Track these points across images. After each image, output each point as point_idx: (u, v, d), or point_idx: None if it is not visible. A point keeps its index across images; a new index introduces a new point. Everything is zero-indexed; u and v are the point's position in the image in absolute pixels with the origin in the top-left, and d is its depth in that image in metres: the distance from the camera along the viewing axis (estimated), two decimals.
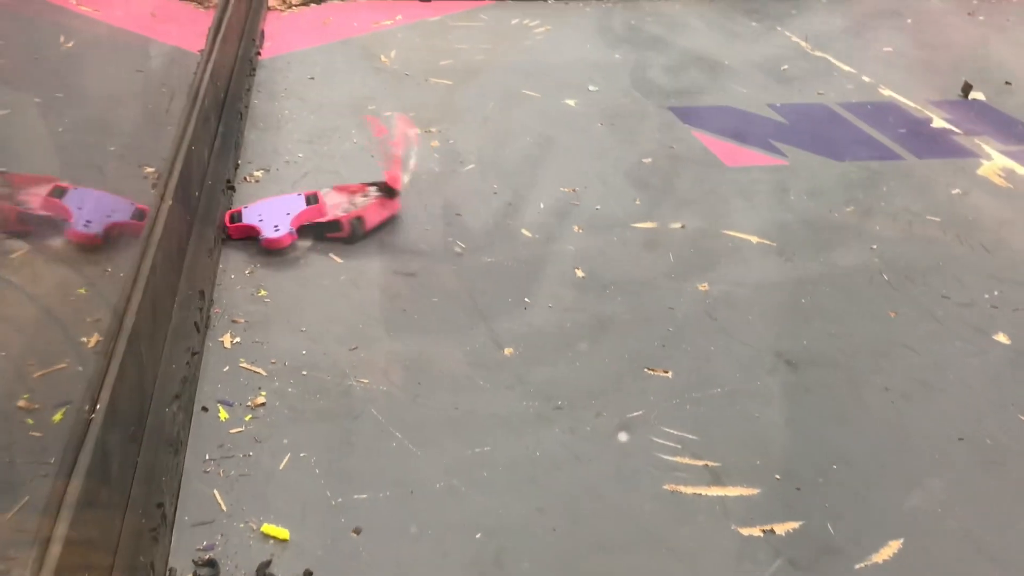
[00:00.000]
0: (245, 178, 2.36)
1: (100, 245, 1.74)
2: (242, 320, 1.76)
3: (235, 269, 1.94)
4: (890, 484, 1.44)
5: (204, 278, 1.79)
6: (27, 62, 2.27)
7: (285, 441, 1.46)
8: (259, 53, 3.28)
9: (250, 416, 1.51)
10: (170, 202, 1.65)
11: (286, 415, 1.52)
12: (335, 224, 2.06)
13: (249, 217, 2.07)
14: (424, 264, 2.00)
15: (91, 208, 1.77)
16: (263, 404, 1.54)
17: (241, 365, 1.63)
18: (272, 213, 2.07)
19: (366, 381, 1.60)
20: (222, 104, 2.52)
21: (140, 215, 1.79)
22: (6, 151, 1.85)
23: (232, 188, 2.23)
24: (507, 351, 1.71)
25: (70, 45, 2.69)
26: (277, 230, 2.01)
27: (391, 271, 1.96)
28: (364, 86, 3.05)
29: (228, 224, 2.05)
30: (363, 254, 2.03)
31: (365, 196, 2.16)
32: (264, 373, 1.61)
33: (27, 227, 1.72)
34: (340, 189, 2.22)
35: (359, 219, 2.08)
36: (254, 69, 3.09)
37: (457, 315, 1.82)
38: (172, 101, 2.29)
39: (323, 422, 1.51)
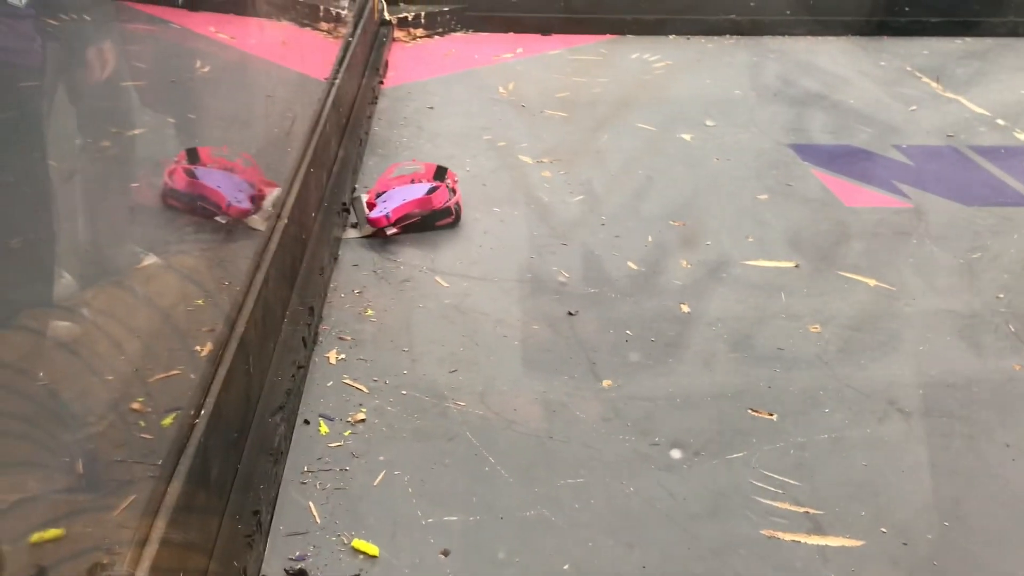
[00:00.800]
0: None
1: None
2: (349, 338, 1.80)
3: (345, 288, 1.98)
4: (1006, 548, 1.35)
5: (315, 295, 1.84)
6: (164, 85, 2.40)
7: (381, 458, 1.48)
8: (382, 82, 3.38)
9: (349, 431, 1.53)
10: (285, 221, 1.71)
11: (384, 432, 1.54)
12: (445, 211, 2.26)
13: (381, 197, 2.26)
14: (527, 292, 2.00)
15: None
16: (363, 420, 1.56)
17: (344, 381, 1.66)
18: (393, 197, 2.25)
19: (463, 404, 1.61)
20: (343, 130, 2.60)
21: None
22: (131, 166, 1.95)
23: (347, 210, 2.29)
24: (606, 383, 1.69)
25: (206, 70, 2.83)
26: (382, 211, 2.20)
27: (494, 298, 1.97)
28: (481, 116, 3.10)
29: (371, 199, 2.26)
30: (468, 278, 2.05)
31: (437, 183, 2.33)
32: (366, 390, 1.64)
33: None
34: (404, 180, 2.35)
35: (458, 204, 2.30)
36: (376, 97, 3.19)
37: (558, 345, 1.81)
38: (294, 125, 2.37)
39: (419, 442, 1.52)
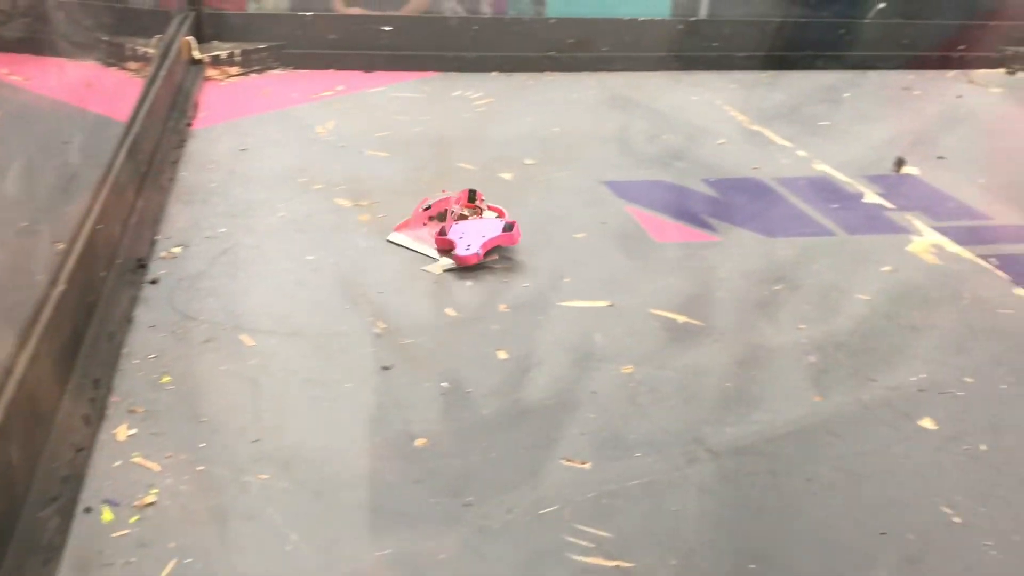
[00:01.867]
0: (162, 255, 2.28)
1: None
2: (141, 410, 1.67)
3: (140, 353, 1.85)
4: None
5: (103, 365, 1.71)
6: None
7: (172, 545, 1.37)
8: (191, 124, 3.23)
9: (136, 517, 1.41)
10: (63, 287, 1.57)
11: (176, 516, 1.43)
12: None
13: (453, 233, 2.34)
14: (340, 346, 1.93)
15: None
16: (153, 503, 1.44)
17: (134, 460, 1.54)
18: (471, 233, 2.33)
19: (266, 477, 1.52)
20: (143, 177, 2.46)
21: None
22: None
23: (143, 266, 2.15)
24: (419, 442, 1.64)
25: None
26: (468, 249, 2.29)
27: (304, 355, 1.89)
28: (296, 158, 3.00)
29: (437, 236, 2.35)
30: (276, 335, 1.95)
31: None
32: (158, 468, 1.52)
33: None
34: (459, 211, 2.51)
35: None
36: (184, 140, 3.04)
37: (368, 404, 1.74)
38: (82, 174, 2.21)
39: (215, 523, 1.42)
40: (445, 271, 2.28)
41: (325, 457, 1.58)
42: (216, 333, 1.95)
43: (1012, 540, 1.47)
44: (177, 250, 2.31)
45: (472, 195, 2.56)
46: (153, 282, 2.13)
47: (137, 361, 1.82)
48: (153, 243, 2.32)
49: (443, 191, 2.58)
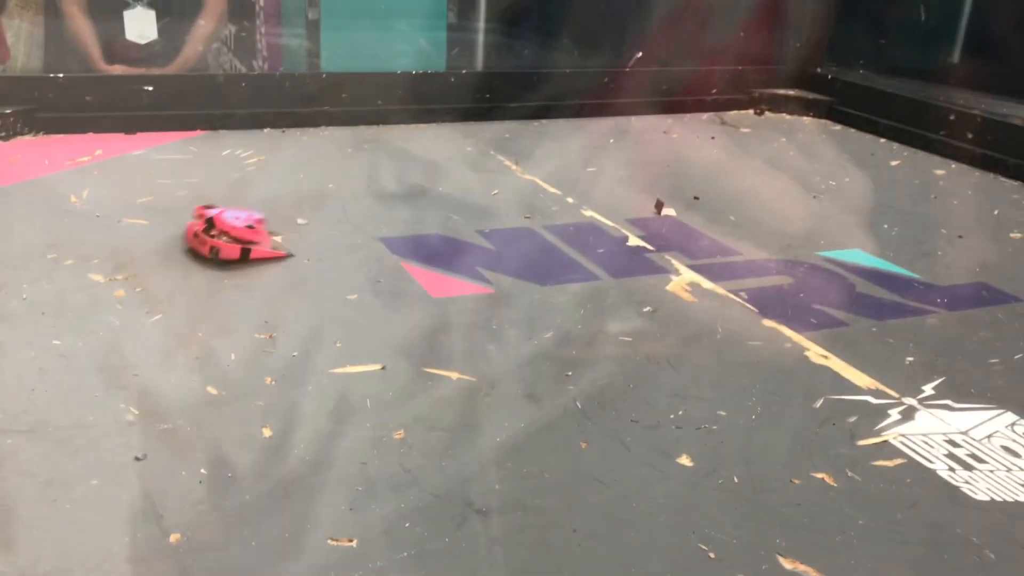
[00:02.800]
0: None
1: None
2: None
3: None
4: None
5: None
6: None
7: None
8: None
9: None
10: None
11: None
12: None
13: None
14: (86, 440, 1.79)
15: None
16: None
17: None
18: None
19: None
20: None
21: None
22: None
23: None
24: (173, 537, 1.54)
25: None
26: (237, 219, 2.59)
27: (45, 454, 1.74)
28: (46, 231, 2.80)
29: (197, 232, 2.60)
30: (13, 433, 1.79)
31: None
32: None
33: None
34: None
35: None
36: None
37: (117, 503, 1.62)
38: None
39: None
40: (214, 338, 2.18)
41: (64, 568, 1.45)
42: None
43: (760, 570, 1.55)
44: None
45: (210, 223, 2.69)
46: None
47: None
48: None
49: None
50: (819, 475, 1.82)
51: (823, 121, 4.88)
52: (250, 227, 2.68)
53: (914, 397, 2.13)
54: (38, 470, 1.69)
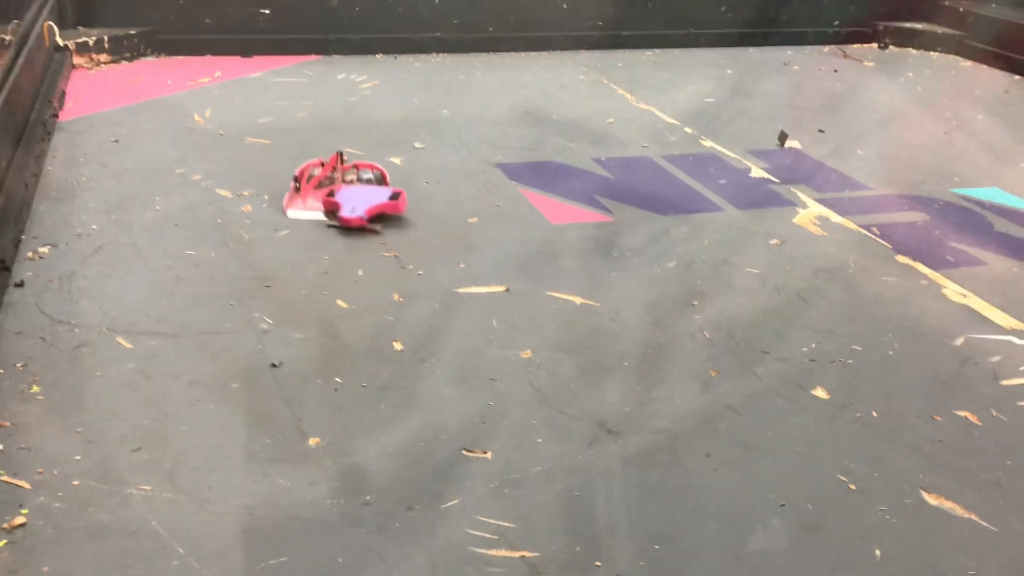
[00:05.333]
0: (28, 255, 2.13)
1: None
2: (7, 423, 1.55)
3: (5, 363, 1.72)
4: (711, 562, 1.38)
5: None
6: None
7: (45, 569, 1.27)
8: (56, 115, 3.04)
9: (5, 541, 1.31)
10: None
11: (49, 536, 1.33)
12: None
13: (340, 197, 2.39)
14: (225, 345, 1.84)
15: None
16: (22, 525, 1.34)
17: (1, 479, 1.43)
18: (357, 198, 2.38)
19: (148, 488, 1.43)
20: (3, 174, 2.29)
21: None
22: None
23: (7, 268, 2.00)
24: (312, 441, 1.57)
25: None
26: (354, 211, 2.34)
27: (185, 354, 1.79)
28: (173, 148, 2.86)
29: (325, 198, 2.39)
30: (157, 335, 1.85)
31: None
32: (28, 487, 1.42)
33: None
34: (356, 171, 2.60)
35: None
36: (50, 133, 2.86)
37: (261, 404, 1.66)
38: None
39: (93, 542, 1.32)
40: (341, 253, 2.20)
41: (211, 464, 1.50)
42: (90, 337, 1.83)
43: (904, 504, 1.50)
44: (45, 250, 2.17)
45: (340, 157, 2.61)
46: (19, 285, 1.99)
47: (2, 371, 1.69)
48: (17, 243, 2.16)
49: (320, 161, 2.60)
50: (962, 413, 1.75)
51: (952, 56, 4.63)
52: (369, 219, 2.39)
53: None
54: (182, 371, 1.74)
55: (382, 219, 2.40)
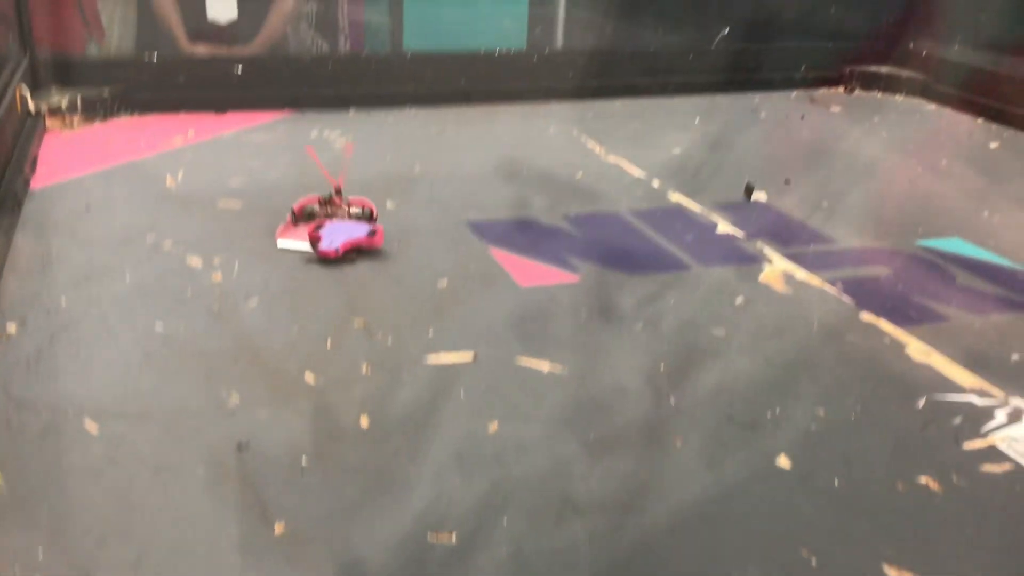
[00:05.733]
0: None
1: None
2: None
3: None
4: None
5: None
6: None
7: None
8: (28, 183, 3.05)
9: None
10: None
11: None
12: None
13: (324, 230, 2.60)
14: (192, 427, 1.84)
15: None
16: None
17: None
18: (337, 233, 2.60)
19: None
20: None
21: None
22: None
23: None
24: (278, 527, 1.58)
25: None
26: (331, 245, 2.55)
27: (152, 437, 1.80)
28: (143, 215, 2.88)
29: (310, 231, 2.60)
30: (124, 417, 1.85)
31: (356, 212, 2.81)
32: None
33: None
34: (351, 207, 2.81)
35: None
36: (20, 203, 2.87)
37: (224, 486, 1.67)
38: None
39: None
40: (310, 322, 2.22)
41: (176, 557, 1.50)
42: (56, 421, 1.83)
43: None
44: (12, 328, 2.17)
45: (339, 192, 2.83)
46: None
47: None
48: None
49: (318, 197, 2.83)
50: (924, 480, 1.77)
51: (918, 100, 4.72)
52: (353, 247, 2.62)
53: (1022, 398, 2.05)
54: (148, 455, 1.75)
55: (361, 252, 2.63)
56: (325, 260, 2.56)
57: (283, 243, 2.65)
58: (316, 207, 2.80)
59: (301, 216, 2.77)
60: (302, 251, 2.61)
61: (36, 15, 3.88)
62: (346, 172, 2.94)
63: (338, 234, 2.60)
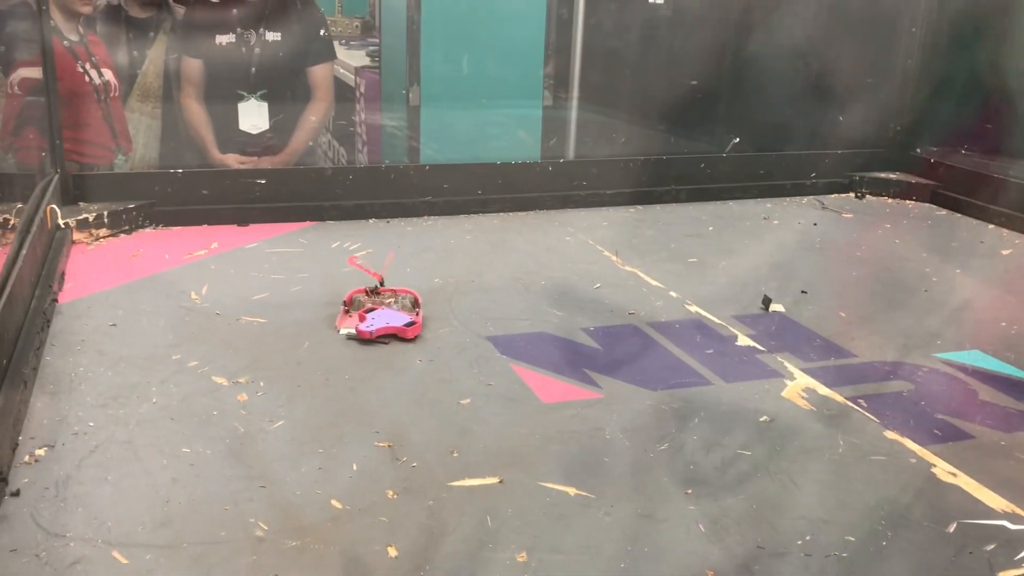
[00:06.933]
0: (25, 459, 2.15)
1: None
2: None
3: None
4: None
5: None
6: None
7: None
8: (56, 299, 3.11)
9: None
10: None
11: None
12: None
13: (370, 315, 2.93)
14: (222, 556, 1.83)
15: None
16: None
17: None
18: (381, 318, 2.91)
19: None
20: (3, 373, 2.33)
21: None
22: None
23: (4, 480, 2.02)
24: None
25: None
26: (369, 327, 2.86)
27: (181, 569, 1.79)
28: (169, 331, 2.92)
29: (361, 313, 2.95)
30: (153, 548, 1.85)
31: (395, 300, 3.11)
32: None
33: None
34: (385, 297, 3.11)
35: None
36: (48, 320, 2.91)
37: None
38: None
39: None
40: (335, 445, 2.23)
41: None
42: (85, 552, 1.83)
43: None
44: (41, 452, 2.18)
45: (382, 282, 3.14)
46: (15, 494, 2.00)
47: None
48: (15, 447, 2.18)
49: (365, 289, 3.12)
50: None
51: (927, 205, 4.79)
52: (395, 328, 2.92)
53: None
54: None
55: (396, 339, 2.87)
56: (361, 340, 2.85)
57: (344, 330, 2.92)
58: (363, 297, 3.09)
59: (352, 306, 3.06)
60: (350, 338, 2.88)
61: (65, 129, 4.01)
62: (385, 270, 3.20)
63: (380, 320, 2.90)
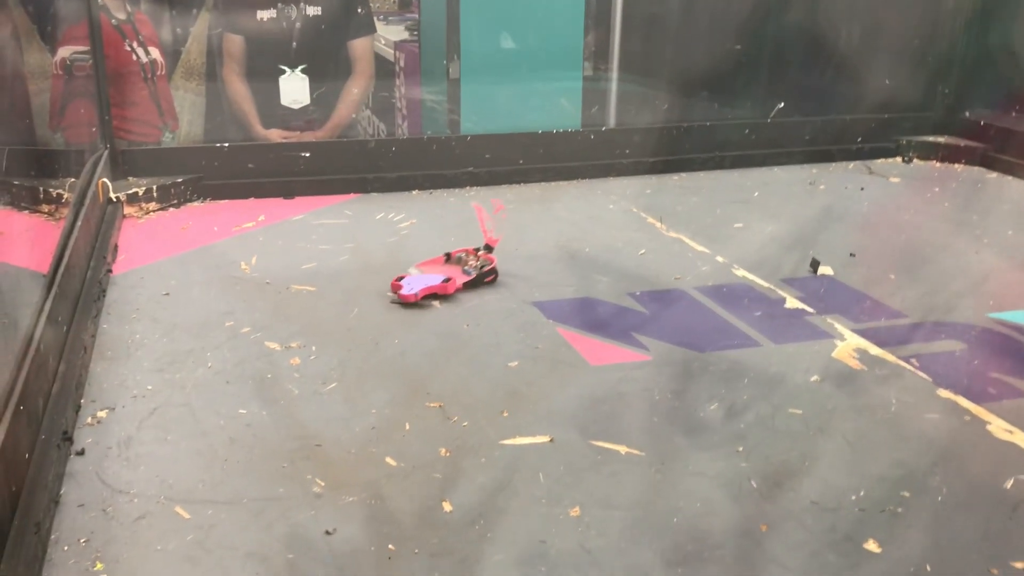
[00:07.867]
0: (87, 421, 2.21)
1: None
2: None
3: (69, 538, 1.77)
4: None
5: (29, 561, 1.62)
6: None
7: None
8: (111, 270, 3.17)
9: None
10: None
11: None
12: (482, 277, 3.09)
13: (405, 281, 2.97)
14: (280, 512, 1.87)
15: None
16: None
17: None
18: (418, 281, 2.96)
19: None
20: (64, 340, 2.39)
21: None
22: None
23: (69, 440, 2.07)
24: None
25: None
26: (411, 290, 2.91)
27: (241, 523, 1.83)
28: (221, 300, 2.97)
29: (393, 281, 2.98)
30: (213, 503, 1.89)
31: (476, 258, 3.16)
32: None
33: None
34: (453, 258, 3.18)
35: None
36: (104, 290, 2.98)
37: (314, 573, 1.69)
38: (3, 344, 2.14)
39: None
40: (388, 406, 2.26)
41: None
42: (149, 507, 1.88)
43: None
44: (103, 414, 2.24)
45: (483, 248, 3.23)
46: (79, 453, 2.06)
47: (67, 548, 1.74)
48: (78, 409, 2.24)
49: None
50: (1019, 565, 1.73)
51: (977, 168, 4.70)
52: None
53: None
54: (238, 543, 1.78)
55: (437, 297, 2.96)
56: (405, 303, 2.92)
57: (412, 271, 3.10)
58: (464, 255, 3.17)
59: (452, 260, 3.17)
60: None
61: (113, 107, 4.08)
62: (494, 230, 3.28)
63: (417, 283, 2.96)
